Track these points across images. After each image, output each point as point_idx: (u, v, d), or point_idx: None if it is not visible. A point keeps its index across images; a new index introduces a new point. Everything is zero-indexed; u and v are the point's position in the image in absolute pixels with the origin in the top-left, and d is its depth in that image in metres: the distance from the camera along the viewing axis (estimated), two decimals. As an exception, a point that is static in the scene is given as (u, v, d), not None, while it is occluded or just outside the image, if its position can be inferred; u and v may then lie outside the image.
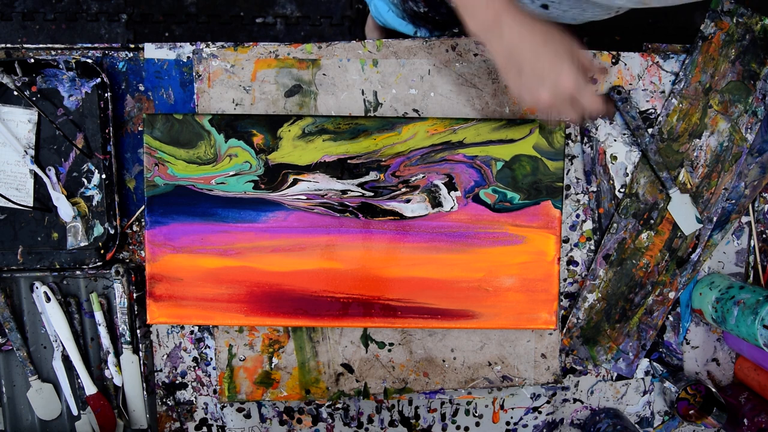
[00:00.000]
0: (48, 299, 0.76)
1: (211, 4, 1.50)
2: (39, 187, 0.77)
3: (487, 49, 0.57)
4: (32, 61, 0.73)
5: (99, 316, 0.77)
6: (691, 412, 0.78)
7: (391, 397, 0.80)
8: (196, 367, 0.80)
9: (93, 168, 0.77)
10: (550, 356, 0.79)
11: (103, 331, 0.77)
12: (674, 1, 0.55)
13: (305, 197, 0.74)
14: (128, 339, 0.77)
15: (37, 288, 0.77)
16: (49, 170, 0.76)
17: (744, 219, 0.80)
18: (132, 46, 0.77)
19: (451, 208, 0.74)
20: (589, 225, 0.79)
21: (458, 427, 0.81)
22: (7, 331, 0.77)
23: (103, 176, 0.76)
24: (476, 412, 0.81)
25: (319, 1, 1.51)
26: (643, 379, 0.81)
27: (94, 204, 0.77)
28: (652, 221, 0.78)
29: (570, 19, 0.66)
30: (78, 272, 0.77)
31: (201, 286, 0.74)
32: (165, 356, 0.79)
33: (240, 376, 0.78)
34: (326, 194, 0.74)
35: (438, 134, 0.73)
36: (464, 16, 0.55)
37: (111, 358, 0.78)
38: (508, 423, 0.81)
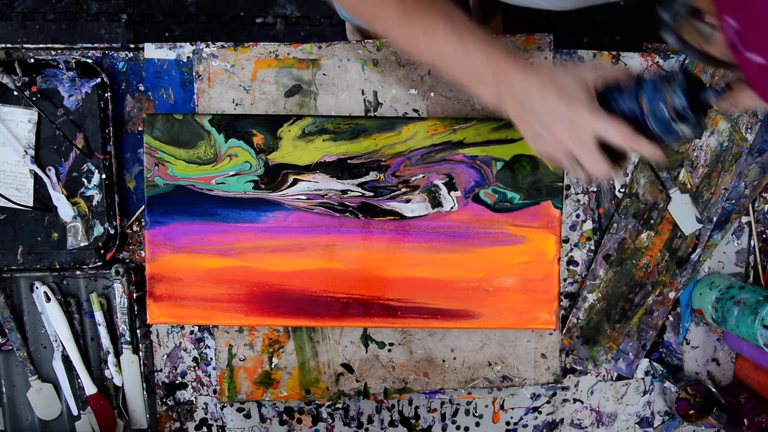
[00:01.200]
0: (48, 299, 0.76)
1: (211, 4, 1.50)
2: (39, 187, 0.77)
3: (506, 112, 0.55)
4: (32, 61, 0.73)
5: (99, 316, 0.77)
6: (691, 412, 0.78)
7: (391, 397, 0.80)
8: (196, 367, 0.80)
9: (93, 168, 0.77)
10: (550, 356, 0.79)
11: (103, 331, 0.77)
12: None
13: (305, 197, 0.74)
14: (128, 339, 0.77)
15: (37, 288, 0.77)
16: (49, 170, 0.76)
17: (744, 219, 0.80)
18: (132, 46, 0.77)
19: (451, 208, 0.74)
20: (589, 225, 0.79)
21: (458, 427, 0.81)
22: (7, 331, 0.77)
23: (103, 176, 0.76)
24: (476, 412, 0.81)
25: (319, 1, 1.51)
26: (643, 379, 0.81)
27: (94, 204, 0.77)
28: (652, 221, 0.78)
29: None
30: (78, 272, 0.77)
31: (201, 286, 0.74)
32: (165, 356, 0.79)
33: (240, 376, 0.78)
34: (326, 194, 0.74)
35: (438, 134, 0.73)
36: (476, 90, 0.55)
37: (111, 358, 0.78)
38: (508, 423, 0.81)
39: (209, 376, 0.80)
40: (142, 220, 0.77)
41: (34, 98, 0.75)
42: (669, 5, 0.33)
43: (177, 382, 0.80)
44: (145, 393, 0.77)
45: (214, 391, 0.80)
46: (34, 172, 0.76)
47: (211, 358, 0.79)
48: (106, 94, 0.74)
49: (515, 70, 0.53)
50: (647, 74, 0.51)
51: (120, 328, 0.77)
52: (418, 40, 0.54)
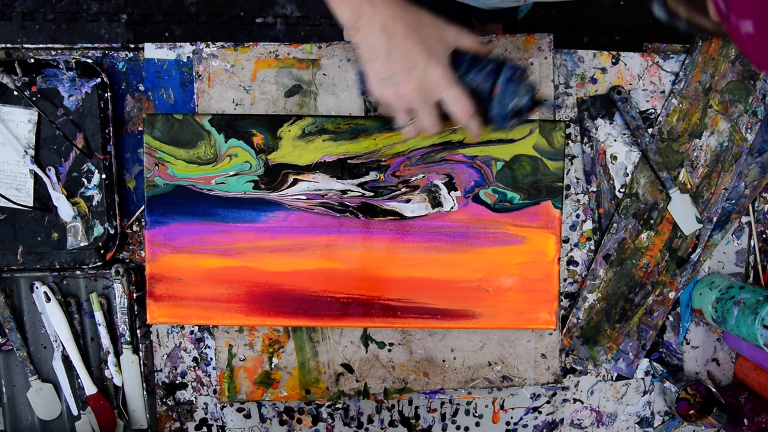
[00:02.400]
0: (48, 299, 0.76)
1: (211, 4, 1.50)
2: (39, 187, 0.77)
3: (356, 37, 0.52)
4: (32, 61, 0.73)
5: (99, 316, 0.77)
6: (691, 412, 0.78)
7: (391, 397, 0.80)
8: (196, 367, 0.80)
9: (93, 168, 0.77)
10: (550, 356, 0.79)
11: (103, 331, 0.77)
12: None
13: (305, 197, 0.74)
14: (128, 339, 0.77)
15: (37, 288, 0.77)
16: (49, 170, 0.76)
17: (744, 219, 0.80)
18: (132, 46, 0.77)
19: (451, 208, 0.74)
20: (589, 225, 0.79)
21: (458, 427, 0.81)
22: (7, 331, 0.77)
23: (103, 176, 0.76)
24: (476, 412, 0.81)
25: (319, 1, 1.51)
26: (643, 379, 0.81)
27: (94, 204, 0.77)
28: (652, 221, 0.78)
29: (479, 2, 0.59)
30: (78, 272, 0.77)
31: (201, 286, 0.74)
32: (165, 356, 0.79)
33: (240, 376, 0.78)
34: (326, 194, 0.74)
35: (438, 134, 0.73)
36: (335, 7, 0.51)
37: (111, 358, 0.78)
38: (508, 423, 0.81)
39: (209, 376, 0.80)
40: (142, 220, 0.77)
41: (34, 98, 0.75)
42: None
43: (177, 382, 0.80)
44: (145, 393, 0.77)
45: (214, 391, 0.80)
46: (34, 172, 0.76)
47: (211, 358, 0.79)
48: (106, 94, 0.74)
49: (387, 5, 0.50)
50: (506, 63, 0.53)
51: (120, 328, 0.77)
52: None
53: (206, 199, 0.73)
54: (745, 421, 0.75)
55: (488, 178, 0.74)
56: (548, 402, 0.81)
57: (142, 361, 0.77)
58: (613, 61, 0.77)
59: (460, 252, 0.74)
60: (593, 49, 0.77)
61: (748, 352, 0.77)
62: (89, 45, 0.77)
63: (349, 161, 0.73)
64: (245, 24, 1.51)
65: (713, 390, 0.76)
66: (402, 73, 0.51)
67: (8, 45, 0.76)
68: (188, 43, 0.76)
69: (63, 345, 0.77)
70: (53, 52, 0.76)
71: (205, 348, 0.79)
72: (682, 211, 0.77)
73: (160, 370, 0.80)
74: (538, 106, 0.59)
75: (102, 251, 0.76)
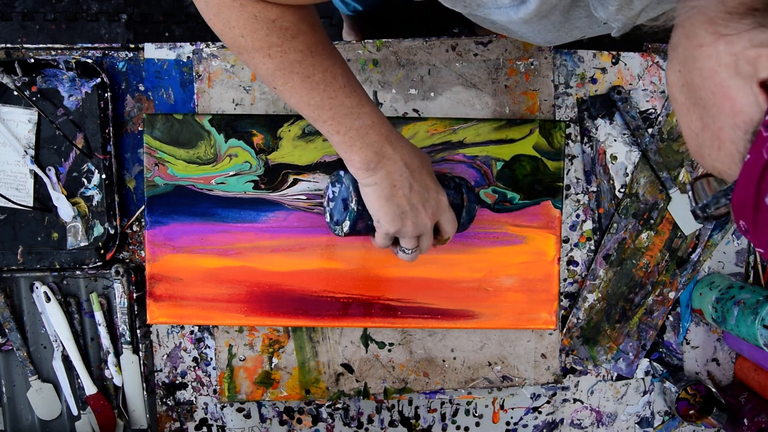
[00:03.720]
0: (48, 299, 0.76)
1: (211, 4, 1.50)
2: (39, 187, 0.77)
3: (375, 177, 0.54)
4: (32, 61, 0.73)
5: (99, 316, 0.77)
6: (691, 412, 0.78)
7: (391, 397, 0.80)
8: (196, 367, 0.80)
9: (93, 168, 0.77)
10: (550, 356, 0.79)
11: (103, 331, 0.77)
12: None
13: (305, 197, 0.74)
14: (128, 339, 0.77)
15: (37, 288, 0.77)
16: (49, 170, 0.76)
17: (744, 219, 0.80)
18: (132, 46, 0.77)
19: (451, 208, 0.74)
20: (589, 225, 0.79)
21: (458, 427, 0.81)
22: (7, 331, 0.77)
23: (103, 176, 0.76)
24: (476, 412, 0.81)
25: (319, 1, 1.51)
26: (643, 379, 0.81)
27: (94, 204, 0.77)
28: (652, 221, 0.78)
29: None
30: (78, 272, 0.77)
31: (201, 286, 0.74)
32: (165, 356, 0.79)
33: (240, 376, 0.78)
34: (326, 194, 0.74)
35: (438, 134, 0.73)
36: (351, 150, 0.53)
37: (111, 358, 0.78)
38: (508, 423, 0.81)
39: (209, 376, 0.80)
40: (142, 220, 0.77)
41: (34, 98, 0.75)
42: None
43: (177, 382, 0.80)
44: (145, 393, 0.77)
45: (214, 391, 0.80)
46: (34, 172, 0.76)
47: (211, 358, 0.79)
48: (106, 94, 0.74)
49: (402, 144, 0.55)
50: (463, 184, 0.63)
51: (120, 328, 0.77)
52: (315, 83, 0.51)
53: (206, 199, 0.73)
54: (745, 421, 0.75)
55: (488, 178, 0.74)
56: (548, 402, 0.81)
57: (142, 361, 0.77)
58: (613, 61, 0.77)
59: (460, 252, 0.74)
60: (593, 49, 0.77)
61: (748, 352, 0.77)
62: (89, 45, 0.77)
63: (349, 161, 0.73)
64: (245, 24, 1.50)
65: (713, 390, 0.76)
66: (420, 203, 0.55)
67: (8, 45, 0.76)
68: (188, 43, 0.76)
69: (63, 345, 0.77)
70: (53, 52, 0.76)
71: (205, 348, 0.79)
72: (682, 211, 0.77)
73: (160, 370, 0.80)
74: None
75: (102, 251, 0.76)
